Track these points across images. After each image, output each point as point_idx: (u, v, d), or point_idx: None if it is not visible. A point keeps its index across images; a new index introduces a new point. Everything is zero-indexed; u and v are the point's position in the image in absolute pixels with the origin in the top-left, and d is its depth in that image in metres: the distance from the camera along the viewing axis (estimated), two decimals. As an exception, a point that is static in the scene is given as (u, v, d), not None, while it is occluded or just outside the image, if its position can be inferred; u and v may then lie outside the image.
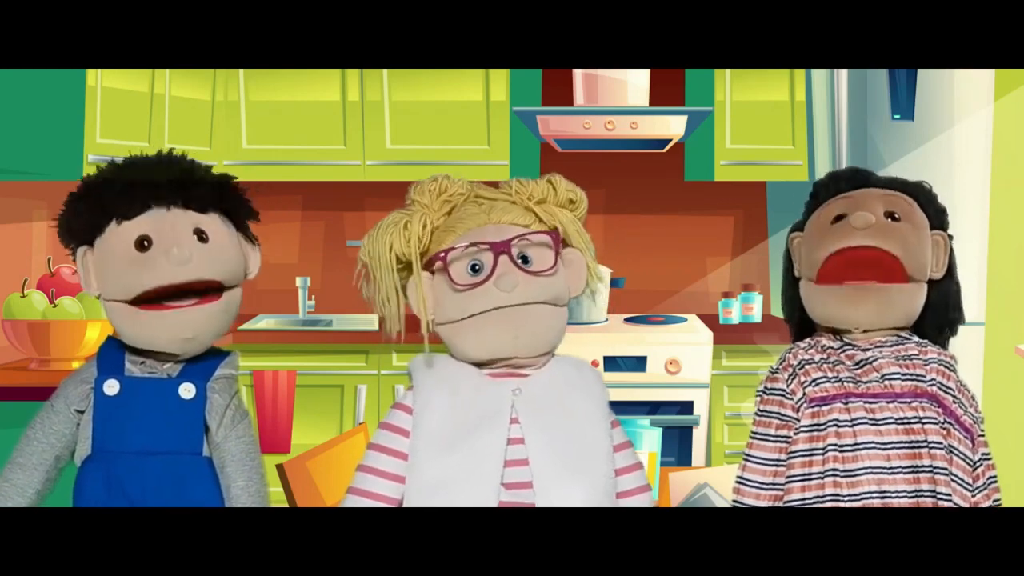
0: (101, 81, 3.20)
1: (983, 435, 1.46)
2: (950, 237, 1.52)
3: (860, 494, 1.38)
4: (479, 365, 1.35)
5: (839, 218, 1.47)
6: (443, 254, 1.34)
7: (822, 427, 1.42)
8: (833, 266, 1.45)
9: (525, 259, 1.34)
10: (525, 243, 1.35)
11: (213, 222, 1.46)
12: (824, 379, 1.44)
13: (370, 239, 1.36)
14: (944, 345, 1.52)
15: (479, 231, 1.35)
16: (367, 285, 1.37)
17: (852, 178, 1.54)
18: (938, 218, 1.52)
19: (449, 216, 1.39)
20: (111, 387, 1.42)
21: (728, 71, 3.67)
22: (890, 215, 1.46)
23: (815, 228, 1.50)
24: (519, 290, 1.31)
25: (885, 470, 1.38)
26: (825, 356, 1.46)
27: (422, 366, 1.37)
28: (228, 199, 1.50)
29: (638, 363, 3.47)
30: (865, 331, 1.45)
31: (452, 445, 1.29)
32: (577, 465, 1.31)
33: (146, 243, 1.40)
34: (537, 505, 1.28)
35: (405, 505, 1.32)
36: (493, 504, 1.27)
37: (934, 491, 1.38)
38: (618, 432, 1.39)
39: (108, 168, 1.47)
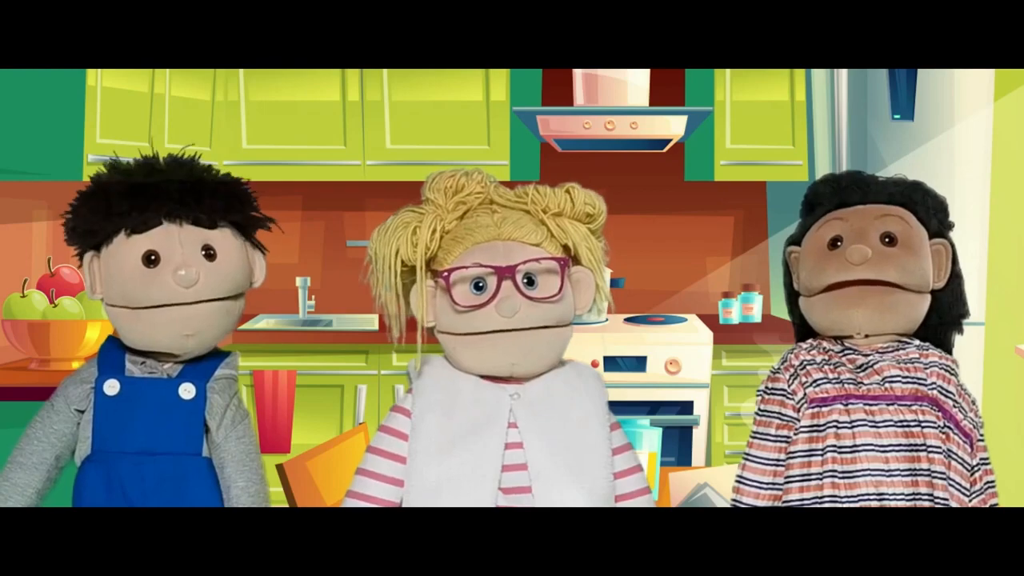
0: (101, 81, 3.19)
1: (982, 439, 1.46)
2: (951, 226, 1.52)
3: (858, 496, 1.37)
4: None
5: (835, 241, 1.46)
6: (447, 274, 1.32)
7: (822, 428, 1.42)
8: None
9: (531, 281, 1.32)
10: (533, 265, 1.32)
11: (222, 237, 1.45)
12: (825, 380, 1.44)
13: (378, 238, 1.34)
14: (950, 345, 1.52)
15: (487, 247, 1.33)
16: (373, 282, 1.36)
17: (847, 189, 1.52)
18: (937, 220, 1.51)
19: (461, 220, 1.36)
20: (111, 387, 1.42)
21: (728, 71, 3.67)
22: (886, 237, 1.45)
23: (812, 251, 1.49)
24: (520, 315, 1.30)
25: (883, 472, 1.38)
26: (827, 357, 1.46)
27: (421, 369, 1.36)
28: (238, 210, 1.48)
29: (638, 363, 3.47)
30: (867, 336, 1.45)
31: (450, 448, 1.29)
32: (575, 469, 1.30)
33: (153, 257, 1.40)
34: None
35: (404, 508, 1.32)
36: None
37: (931, 495, 1.37)
38: (618, 435, 1.39)
39: (118, 170, 1.44)
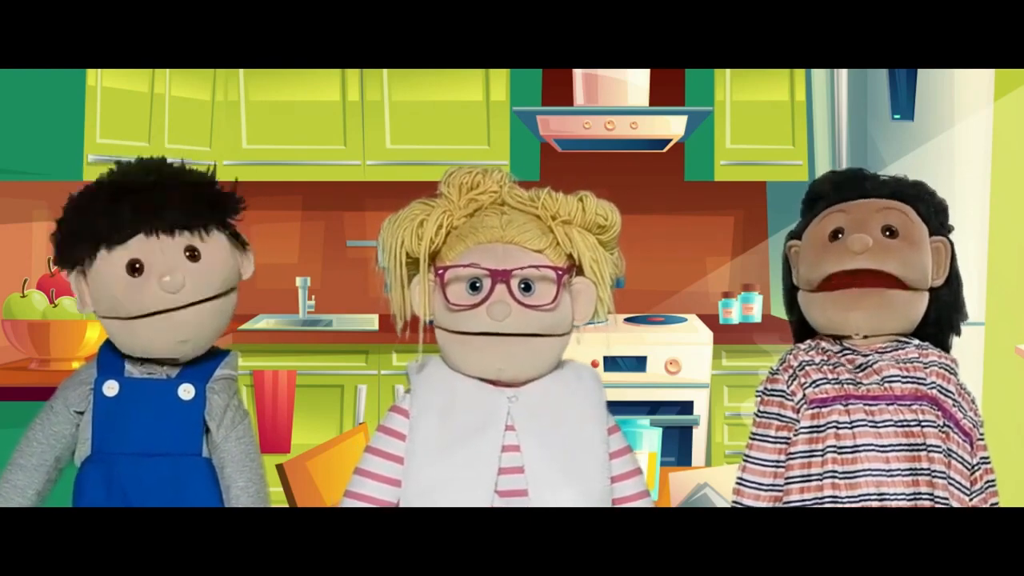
0: (101, 81, 3.20)
1: (982, 439, 1.45)
2: (951, 229, 1.52)
3: (859, 496, 1.37)
4: None
5: (836, 233, 1.46)
6: (441, 271, 1.32)
7: (821, 428, 1.41)
8: (831, 288, 1.44)
9: (528, 287, 1.31)
10: (530, 272, 1.31)
11: (203, 236, 1.43)
12: (824, 381, 1.44)
13: (386, 228, 1.34)
14: (947, 346, 1.52)
15: (487, 248, 1.31)
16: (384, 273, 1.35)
17: (849, 184, 1.53)
18: (938, 220, 1.51)
19: (471, 218, 1.35)
20: (110, 388, 1.42)
21: (728, 71, 3.67)
22: (887, 230, 1.45)
23: (812, 243, 1.49)
24: (511, 320, 1.28)
25: (884, 472, 1.38)
26: (826, 358, 1.46)
27: (420, 370, 1.36)
28: (218, 212, 1.46)
29: (638, 363, 3.47)
30: (865, 337, 1.45)
31: (447, 450, 1.29)
32: (571, 472, 1.30)
33: (137, 266, 1.39)
34: None
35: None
36: None
37: (932, 494, 1.37)
38: (617, 438, 1.38)
39: (96, 187, 1.43)
